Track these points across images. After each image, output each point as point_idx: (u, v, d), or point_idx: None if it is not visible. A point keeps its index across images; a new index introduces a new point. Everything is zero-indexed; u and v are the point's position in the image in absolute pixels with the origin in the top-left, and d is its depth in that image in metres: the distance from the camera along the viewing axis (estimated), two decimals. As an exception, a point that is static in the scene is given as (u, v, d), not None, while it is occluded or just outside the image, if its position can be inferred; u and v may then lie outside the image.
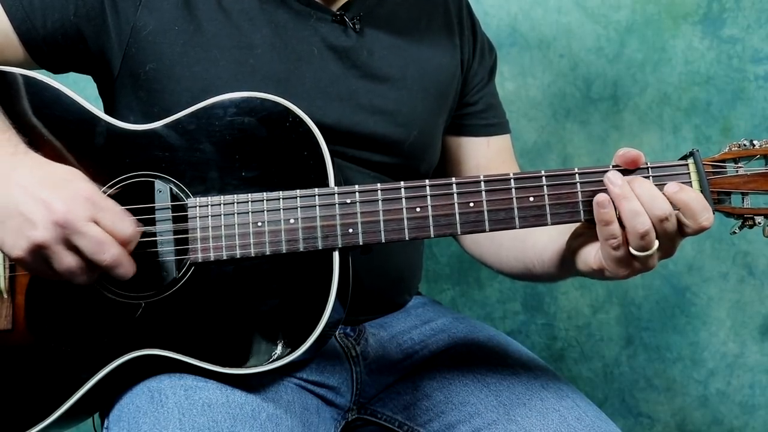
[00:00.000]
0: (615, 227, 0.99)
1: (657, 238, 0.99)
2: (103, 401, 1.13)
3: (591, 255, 1.05)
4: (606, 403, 2.17)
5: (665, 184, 1.00)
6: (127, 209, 1.06)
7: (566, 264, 1.13)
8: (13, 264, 1.08)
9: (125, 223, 0.99)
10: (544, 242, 1.19)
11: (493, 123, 1.41)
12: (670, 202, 0.98)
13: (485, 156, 1.40)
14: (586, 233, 1.06)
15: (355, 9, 1.26)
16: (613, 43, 2.04)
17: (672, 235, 0.99)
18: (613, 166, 1.03)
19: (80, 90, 1.15)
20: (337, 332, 1.27)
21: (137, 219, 1.06)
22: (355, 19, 1.24)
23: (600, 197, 0.99)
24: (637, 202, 0.98)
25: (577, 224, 1.09)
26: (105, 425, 1.11)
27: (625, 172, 1.03)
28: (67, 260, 0.97)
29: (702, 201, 0.99)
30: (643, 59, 2.04)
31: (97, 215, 0.97)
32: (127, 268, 1.00)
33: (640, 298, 2.13)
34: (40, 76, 1.12)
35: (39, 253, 0.96)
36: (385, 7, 1.30)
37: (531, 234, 1.22)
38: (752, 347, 2.14)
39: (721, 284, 2.12)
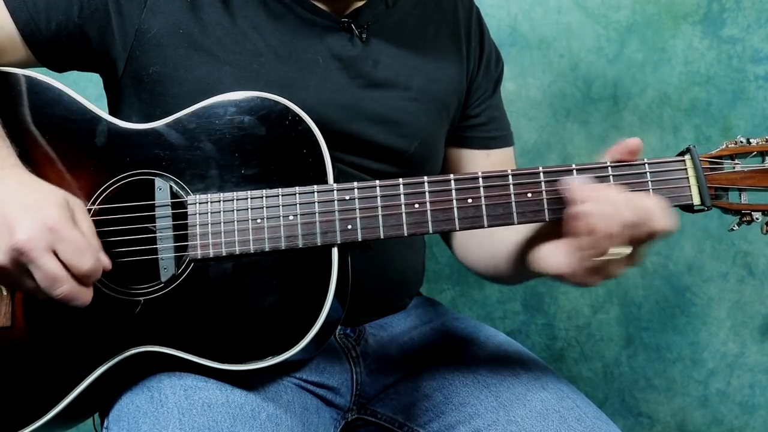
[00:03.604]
0: (589, 238, 0.98)
1: (624, 243, 0.98)
2: (101, 401, 1.13)
3: (555, 260, 1.03)
4: (606, 403, 2.17)
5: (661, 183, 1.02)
6: (126, 207, 1.07)
7: (529, 263, 1.10)
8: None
9: (85, 258, 0.97)
10: (514, 238, 1.17)
11: (494, 136, 1.40)
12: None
13: (483, 168, 1.38)
14: (550, 235, 1.05)
15: (364, 18, 1.25)
16: (613, 43, 2.04)
17: (641, 239, 0.98)
18: (611, 163, 1.03)
19: (80, 90, 1.15)
20: (337, 333, 1.27)
21: (137, 216, 1.07)
22: (363, 28, 1.24)
23: (575, 210, 0.97)
24: (603, 205, 0.97)
25: (542, 224, 1.08)
26: (105, 425, 1.11)
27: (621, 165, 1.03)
28: (27, 283, 0.97)
29: (659, 204, 0.98)
30: (643, 59, 2.04)
31: (57, 246, 0.95)
32: (82, 301, 0.98)
33: (640, 298, 2.13)
34: (41, 76, 1.12)
35: (1, 272, 0.96)
36: (393, 16, 1.29)
37: (499, 231, 1.20)
38: (752, 347, 2.14)
39: (721, 284, 2.12)
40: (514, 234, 1.15)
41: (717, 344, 2.15)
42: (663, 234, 0.98)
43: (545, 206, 1.03)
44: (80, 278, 0.97)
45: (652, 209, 0.97)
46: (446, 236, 1.46)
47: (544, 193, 1.03)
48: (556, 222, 1.02)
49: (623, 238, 0.97)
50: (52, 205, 0.97)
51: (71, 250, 0.96)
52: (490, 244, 1.28)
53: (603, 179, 1.03)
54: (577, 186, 0.99)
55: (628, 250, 0.98)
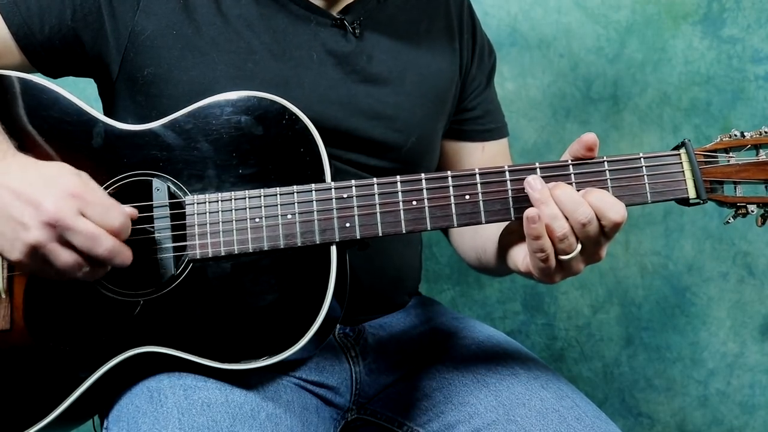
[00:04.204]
0: (544, 241, 0.99)
1: (579, 242, 1.00)
2: (101, 403, 1.13)
3: (519, 258, 1.06)
4: (606, 403, 2.17)
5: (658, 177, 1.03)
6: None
7: (501, 258, 1.13)
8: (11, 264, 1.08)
9: (113, 214, 0.98)
10: (491, 231, 1.19)
11: (490, 129, 1.41)
12: None
13: (479, 161, 1.40)
14: (518, 231, 1.06)
15: (356, 13, 1.25)
16: (613, 43, 2.04)
17: (595, 238, 1.00)
18: (608, 158, 1.04)
19: (79, 92, 1.15)
20: (336, 332, 1.27)
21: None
22: (355, 24, 1.24)
23: (530, 212, 0.99)
24: (555, 206, 0.99)
25: (510, 222, 1.09)
26: (105, 425, 1.11)
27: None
28: (64, 257, 0.97)
29: (611, 198, 1.00)
30: (643, 59, 2.04)
31: (86, 209, 0.97)
32: (125, 256, 1.00)
33: (640, 298, 2.13)
34: (38, 78, 1.12)
35: (36, 254, 0.96)
36: (385, 11, 1.29)
37: (484, 225, 1.23)
38: (752, 347, 2.14)
39: (721, 284, 2.12)
40: (496, 229, 1.16)
41: (717, 344, 2.15)
42: (616, 228, 0.99)
43: None
44: (115, 235, 0.98)
45: (602, 204, 0.99)
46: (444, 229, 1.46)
47: None
48: (520, 221, 1.03)
49: (575, 238, 0.99)
50: (67, 174, 0.99)
51: (99, 210, 0.97)
52: (473, 237, 1.30)
53: (599, 174, 1.04)
54: (532, 186, 1.00)
55: (577, 249, 1.00)
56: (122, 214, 0.99)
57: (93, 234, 0.96)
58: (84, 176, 1.01)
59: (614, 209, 0.98)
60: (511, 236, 1.09)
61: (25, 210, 0.95)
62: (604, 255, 1.03)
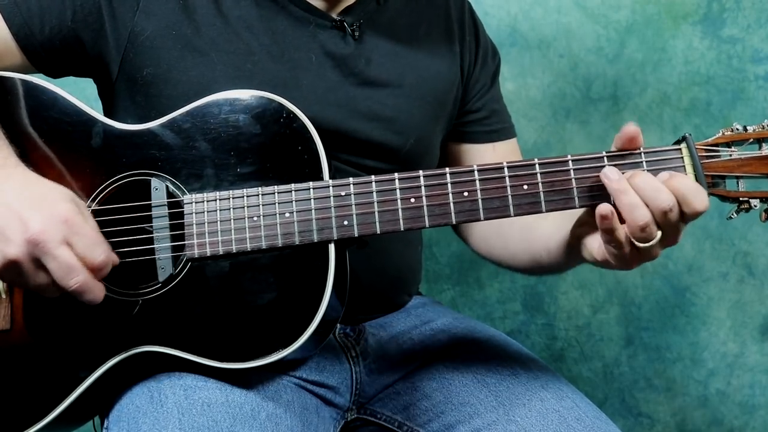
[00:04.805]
0: (618, 234, 0.97)
1: (660, 228, 0.98)
2: (100, 404, 1.13)
3: (595, 247, 1.04)
4: (606, 403, 2.17)
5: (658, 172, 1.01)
6: (123, 207, 1.07)
7: (573, 252, 1.11)
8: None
9: (98, 251, 0.98)
10: (551, 231, 1.18)
11: (496, 129, 1.41)
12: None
13: (492, 162, 1.38)
14: (590, 222, 1.04)
15: (355, 15, 1.25)
16: (613, 43, 2.04)
17: (676, 224, 0.98)
18: (607, 153, 1.03)
19: (79, 91, 1.15)
20: (336, 332, 1.27)
21: (134, 217, 1.07)
22: (355, 26, 1.24)
23: (602, 209, 0.96)
24: (635, 195, 0.97)
25: (580, 211, 1.07)
26: (105, 425, 1.12)
27: (621, 156, 1.03)
28: (38, 278, 0.97)
29: (694, 185, 0.98)
30: (643, 59, 2.04)
31: (72, 239, 0.96)
32: (95, 294, 0.99)
33: (640, 298, 2.13)
34: (37, 79, 1.13)
35: (12, 268, 0.96)
36: (385, 14, 1.30)
37: (538, 224, 1.22)
38: (752, 347, 2.14)
39: (721, 284, 2.11)
40: (554, 228, 1.16)
41: (717, 344, 2.14)
42: (697, 215, 0.97)
43: (542, 198, 1.03)
44: (93, 271, 0.98)
45: (686, 191, 0.96)
46: (459, 230, 1.46)
47: (540, 184, 1.03)
48: (590, 212, 1.02)
49: (656, 225, 0.97)
50: (62, 199, 0.99)
51: (85, 242, 0.97)
52: (528, 242, 1.27)
53: (599, 170, 1.02)
54: (609, 177, 0.99)
55: (657, 236, 0.97)
56: (107, 252, 0.99)
57: (69, 264, 0.96)
58: (81, 206, 1.01)
59: (698, 197, 0.96)
60: (583, 228, 1.07)
61: (13, 224, 0.95)
62: (681, 239, 1.01)
